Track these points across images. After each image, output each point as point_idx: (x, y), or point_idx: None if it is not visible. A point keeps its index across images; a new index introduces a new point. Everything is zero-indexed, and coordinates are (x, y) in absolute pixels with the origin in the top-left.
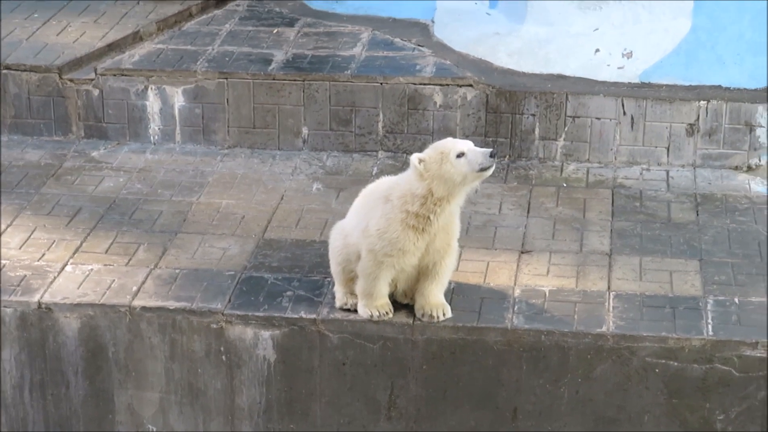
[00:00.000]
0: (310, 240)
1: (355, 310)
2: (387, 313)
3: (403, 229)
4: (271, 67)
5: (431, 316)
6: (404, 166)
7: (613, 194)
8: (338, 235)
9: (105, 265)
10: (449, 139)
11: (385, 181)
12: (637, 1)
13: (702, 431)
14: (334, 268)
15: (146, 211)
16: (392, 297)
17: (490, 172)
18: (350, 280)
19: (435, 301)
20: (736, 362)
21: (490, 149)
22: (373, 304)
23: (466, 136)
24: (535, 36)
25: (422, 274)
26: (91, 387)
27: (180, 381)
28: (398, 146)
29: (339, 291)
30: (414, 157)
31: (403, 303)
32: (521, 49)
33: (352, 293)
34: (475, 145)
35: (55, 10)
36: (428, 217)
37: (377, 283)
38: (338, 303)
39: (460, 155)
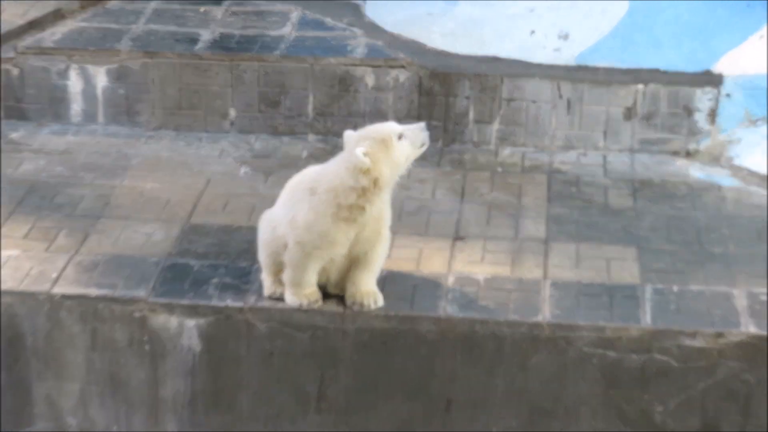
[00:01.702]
0: (237, 225)
1: (283, 299)
2: (316, 301)
3: (333, 222)
4: (197, 47)
5: (362, 304)
6: (335, 149)
7: (549, 179)
8: (267, 226)
9: (24, 251)
10: (379, 125)
11: (310, 172)
12: None
13: (640, 423)
14: (263, 257)
15: (67, 195)
16: (323, 288)
17: (427, 146)
18: (279, 270)
19: (366, 289)
20: (675, 352)
21: (422, 123)
22: (302, 293)
23: (398, 119)
24: (470, 16)
25: (353, 262)
26: (8, 378)
27: (101, 372)
28: (329, 129)
29: (267, 279)
30: (360, 153)
31: (333, 293)
32: (455, 29)
33: (281, 282)
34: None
35: None
36: (362, 207)
37: (305, 273)
38: (266, 291)
39: (400, 137)
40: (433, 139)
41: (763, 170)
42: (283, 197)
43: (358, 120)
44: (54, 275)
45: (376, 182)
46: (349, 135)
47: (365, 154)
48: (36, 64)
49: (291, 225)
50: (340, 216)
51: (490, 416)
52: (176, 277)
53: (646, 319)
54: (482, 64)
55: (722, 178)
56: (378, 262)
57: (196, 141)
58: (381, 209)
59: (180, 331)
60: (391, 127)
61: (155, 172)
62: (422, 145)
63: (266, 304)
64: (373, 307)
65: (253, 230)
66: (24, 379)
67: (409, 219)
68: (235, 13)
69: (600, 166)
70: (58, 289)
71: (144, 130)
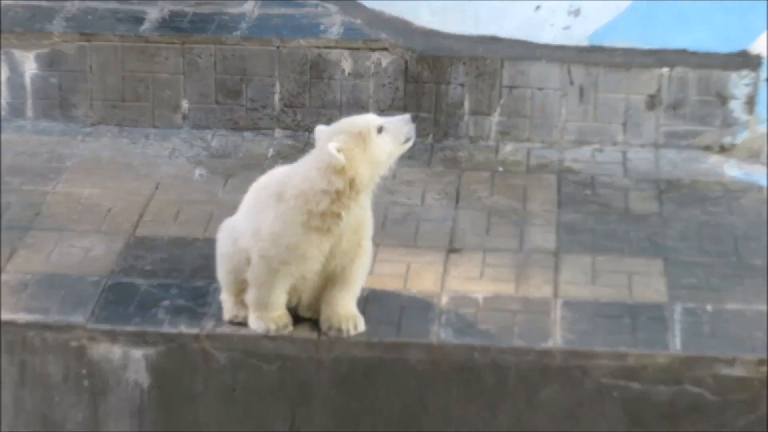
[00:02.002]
0: (191, 238)
1: (247, 324)
2: (286, 326)
3: (304, 233)
4: (143, 27)
5: (340, 329)
6: (307, 147)
7: (559, 180)
8: (227, 238)
9: None
10: (355, 118)
11: (277, 174)
12: None
13: None
14: (222, 275)
15: None
16: (294, 311)
17: (412, 141)
18: (241, 289)
19: (344, 312)
20: (709, 383)
21: (407, 114)
22: (269, 317)
23: (380, 111)
24: None
25: (329, 280)
26: None
27: (32, 412)
28: (299, 123)
29: (227, 301)
30: (332, 149)
31: (306, 316)
32: (447, 5)
33: (244, 304)
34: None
35: None
36: (338, 215)
37: (272, 293)
38: (227, 315)
39: (380, 130)
40: (422, 133)
41: None
42: (245, 204)
43: (333, 112)
44: None
45: (352, 184)
46: (320, 130)
47: (339, 151)
48: None
49: (255, 237)
50: (311, 225)
51: None
52: (120, 300)
53: (676, 344)
54: (479, 45)
55: (763, 176)
56: (358, 279)
57: (143, 138)
58: (360, 217)
59: (125, 363)
60: (369, 119)
61: (94, 175)
62: (407, 140)
63: (227, 330)
64: (352, 332)
65: (209, 243)
66: None
67: (395, 228)
68: None
69: (619, 164)
70: None
71: (81, 126)
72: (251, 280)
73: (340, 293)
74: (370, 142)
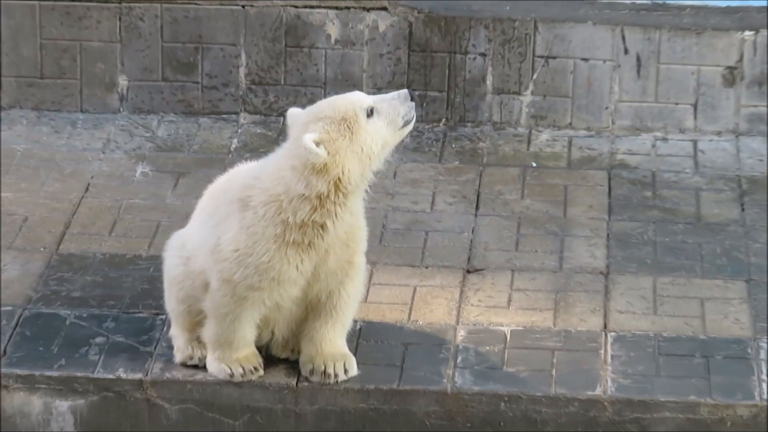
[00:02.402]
0: (131, 255)
1: (204, 367)
2: (255, 369)
3: (278, 248)
4: None
5: (325, 373)
6: (280, 137)
7: (610, 179)
8: (176, 256)
9: None
10: (338, 98)
11: (241, 174)
12: None
13: None
14: (172, 304)
15: None
16: (265, 350)
17: (413, 123)
18: (197, 322)
19: (331, 350)
20: None
21: (404, 90)
22: (232, 357)
23: (377, 90)
24: None
25: (311, 309)
26: None
27: None
28: (270, 106)
29: (179, 337)
30: (309, 142)
31: (282, 357)
32: None
33: (200, 341)
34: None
35: None
36: (322, 225)
37: (237, 328)
38: (179, 356)
39: (370, 113)
40: (430, 118)
41: None
42: (200, 212)
43: (315, 91)
44: None
45: (338, 185)
46: (293, 114)
47: (318, 143)
48: None
49: (214, 255)
50: (287, 240)
51: None
52: (40, 335)
53: (763, 390)
54: (505, 1)
55: None
56: (348, 307)
57: (68, 126)
58: (351, 226)
59: (47, 418)
60: (355, 99)
61: (5, 174)
62: (405, 122)
63: (178, 375)
64: (341, 377)
65: (155, 262)
66: None
67: (396, 242)
68: None
69: (688, 157)
70: None
71: None
72: (210, 310)
73: (326, 326)
74: (358, 130)
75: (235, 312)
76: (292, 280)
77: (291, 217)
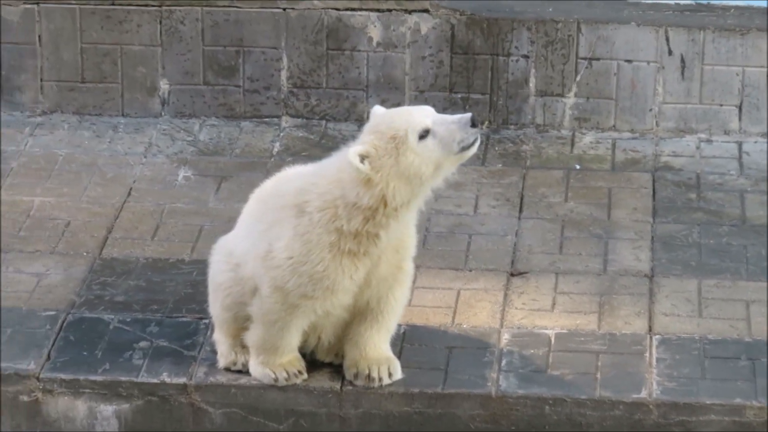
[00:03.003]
0: (174, 259)
1: (248, 372)
2: (299, 373)
3: (333, 258)
4: None
5: (370, 377)
6: (322, 140)
7: (654, 181)
8: (224, 262)
9: None
10: (401, 111)
11: (293, 177)
12: None
13: None
14: (217, 310)
15: None
16: (310, 353)
17: (474, 149)
18: (242, 328)
19: (376, 355)
20: None
21: (468, 114)
22: (277, 362)
23: (420, 93)
24: None
25: (357, 314)
26: None
27: None
28: (312, 109)
29: (223, 343)
30: (353, 155)
31: (326, 361)
32: None
33: (243, 346)
34: (437, 110)
35: None
36: (376, 235)
37: (285, 335)
38: (222, 362)
39: (423, 135)
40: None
41: None
42: (247, 217)
43: (357, 94)
44: None
45: (384, 200)
46: (373, 114)
47: (365, 157)
48: None
49: (265, 262)
50: (342, 248)
51: None
52: (83, 340)
53: None
54: (548, 3)
55: None
56: (394, 312)
57: (110, 130)
58: (404, 234)
59: (91, 422)
60: (408, 116)
61: (47, 179)
62: (461, 149)
63: (222, 379)
64: (386, 380)
65: (199, 266)
66: None
67: (440, 245)
68: None
69: (733, 158)
70: None
71: (28, 115)
72: (258, 317)
73: (371, 331)
74: (405, 151)
75: (284, 319)
76: (346, 289)
77: (345, 224)
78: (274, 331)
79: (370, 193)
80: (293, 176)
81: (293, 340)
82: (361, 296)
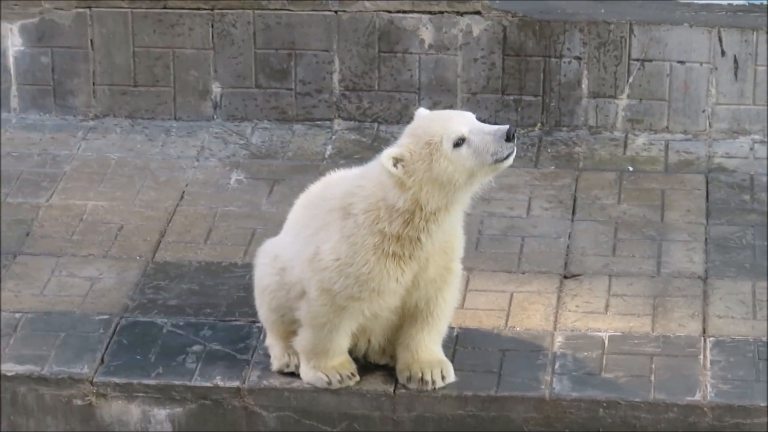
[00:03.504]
0: (227, 263)
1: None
2: (352, 376)
3: (378, 260)
4: None
5: (423, 380)
6: (375, 143)
7: (707, 182)
8: (269, 265)
9: None
10: (440, 116)
11: (339, 181)
12: None
13: None
14: (265, 313)
15: None
16: (364, 357)
17: (510, 161)
18: (291, 331)
19: (429, 358)
20: None
21: (506, 126)
22: (328, 365)
23: (472, 95)
24: None
25: (408, 316)
26: None
27: None
28: (364, 112)
29: (275, 346)
30: (386, 158)
31: (380, 363)
32: None
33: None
34: (479, 118)
35: None
36: (417, 239)
37: (334, 337)
38: (276, 364)
39: (458, 143)
40: (526, 123)
41: None
42: (293, 220)
43: (409, 96)
44: None
45: (419, 204)
46: (421, 116)
47: (397, 161)
48: None
49: (312, 264)
50: (386, 250)
51: None
52: (136, 344)
53: None
54: (600, 4)
55: None
56: (445, 315)
57: (162, 134)
58: (450, 234)
59: (145, 426)
60: (446, 122)
61: (100, 183)
62: (496, 160)
63: (275, 383)
64: (439, 383)
65: (251, 269)
66: None
67: (492, 248)
68: None
69: None
70: None
71: (81, 120)
72: (307, 321)
73: (422, 333)
74: (439, 157)
75: (333, 322)
76: (392, 291)
77: (387, 227)
78: (323, 335)
79: (405, 196)
80: (339, 180)
81: (342, 342)
82: (410, 298)
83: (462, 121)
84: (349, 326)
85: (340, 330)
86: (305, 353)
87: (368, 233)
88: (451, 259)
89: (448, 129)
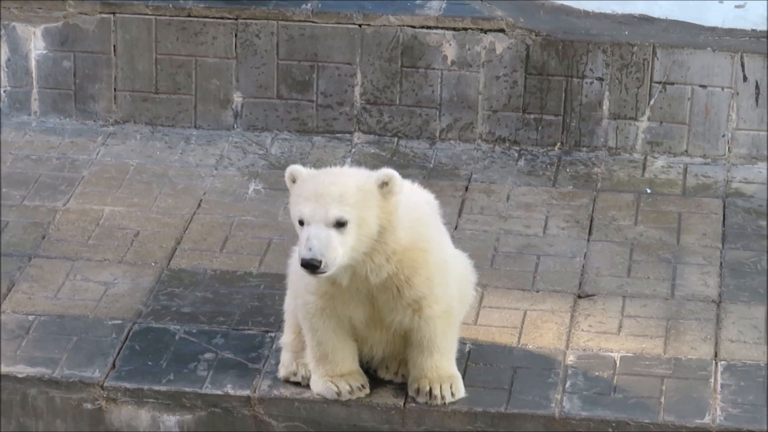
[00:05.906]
0: (242, 272)
1: (308, 386)
2: (362, 387)
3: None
4: None
5: (432, 394)
6: (395, 157)
7: (725, 206)
8: (296, 272)
9: None
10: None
11: None
12: None
13: None
14: (288, 300)
15: None
16: (374, 371)
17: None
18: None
19: (437, 374)
20: None
21: (308, 255)
22: (336, 372)
23: (493, 112)
24: None
25: (406, 338)
26: None
27: None
28: (385, 126)
29: (287, 350)
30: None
31: (386, 379)
32: None
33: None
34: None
35: None
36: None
37: (325, 338)
38: (283, 371)
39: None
40: (546, 142)
41: None
42: None
43: (430, 112)
44: None
45: None
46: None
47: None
48: None
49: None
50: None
51: None
52: (149, 350)
53: None
54: (624, 26)
55: None
56: (437, 340)
57: (182, 141)
58: (415, 282)
59: None
60: (300, 191)
61: (117, 188)
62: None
63: (286, 392)
64: (449, 398)
65: (266, 279)
66: None
67: (507, 265)
68: None
69: None
70: None
71: (101, 125)
72: (302, 326)
73: (422, 356)
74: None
75: (317, 323)
76: (352, 306)
77: None
78: (317, 337)
79: None
80: None
81: (339, 346)
82: (382, 318)
83: (307, 201)
84: (332, 327)
85: (328, 330)
86: (313, 364)
87: None
88: (421, 306)
89: (299, 197)
